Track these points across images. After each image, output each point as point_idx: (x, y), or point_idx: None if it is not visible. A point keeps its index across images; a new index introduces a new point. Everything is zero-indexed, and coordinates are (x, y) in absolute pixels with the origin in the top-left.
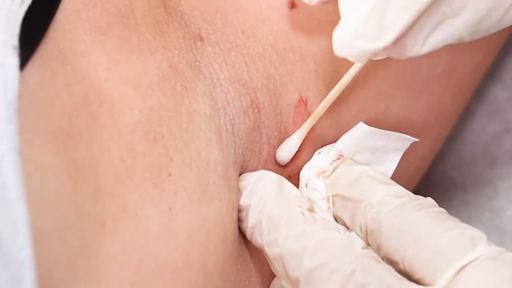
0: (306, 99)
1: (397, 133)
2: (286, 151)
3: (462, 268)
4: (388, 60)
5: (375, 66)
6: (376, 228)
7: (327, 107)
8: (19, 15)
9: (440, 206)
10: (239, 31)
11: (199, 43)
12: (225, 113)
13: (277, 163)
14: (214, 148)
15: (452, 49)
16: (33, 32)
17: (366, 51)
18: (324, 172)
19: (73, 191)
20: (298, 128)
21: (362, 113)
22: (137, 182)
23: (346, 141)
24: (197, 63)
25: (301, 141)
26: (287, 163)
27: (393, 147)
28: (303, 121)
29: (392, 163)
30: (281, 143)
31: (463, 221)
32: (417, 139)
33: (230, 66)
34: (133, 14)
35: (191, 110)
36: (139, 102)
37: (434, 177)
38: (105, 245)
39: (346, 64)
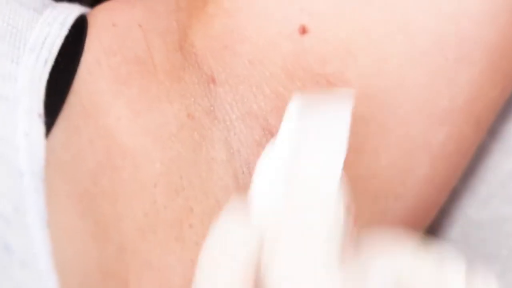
0: None
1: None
2: None
3: None
4: (405, 83)
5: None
6: None
7: None
8: (43, 78)
9: (456, 244)
10: (247, 61)
11: (212, 86)
12: (240, 155)
13: None
14: (231, 194)
15: (474, 82)
16: (57, 93)
17: None
18: None
19: (99, 252)
20: None
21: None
22: (159, 236)
23: None
24: (212, 107)
25: None
26: None
27: None
28: None
29: None
30: None
31: (481, 259)
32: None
33: (239, 103)
34: (152, 60)
35: (209, 158)
36: (159, 154)
37: (450, 214)
38: None
39: (363, 86)
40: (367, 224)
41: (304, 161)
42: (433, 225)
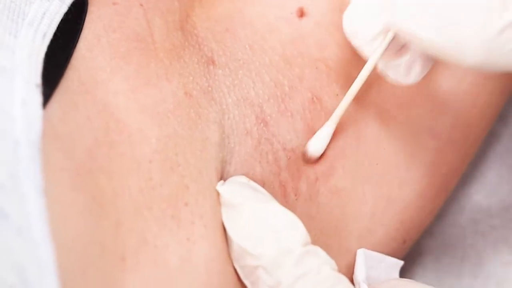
0: (320, 97)
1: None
2: (318, 143)
3: None
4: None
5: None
6: None
7: (353, 96)
8: (42, 51)
9: (466, 230)
10: (247, 46)
11: (211, 67)
12: (228, 142)
13: (305, 161)
14: (218, 178)
15: (476, 74)
16: (55, 66)
17: None
18: None
19: (95, 227)
20: (317, 124)
21: (380, 117)
22: (155, 213)
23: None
24: (210, 88)
25: (333, 131)
26: (315, 160)
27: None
28: (321, 117)
29: None
30: (301, 142)
31: (489, 245)
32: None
33: (237, 87)
34: (152, 38)
35: (204, 138)
36: (156, 130)
37: (459, 200)
38: (127, 280)
39: (359, 68)
40: (372, 212)
41: None
42: (442, 211)
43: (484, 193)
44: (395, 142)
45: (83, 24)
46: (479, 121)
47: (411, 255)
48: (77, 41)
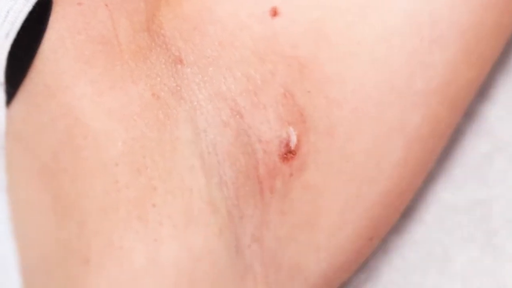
0: (292, 93)
1: None
2: None
3: None
4: (380, 65)
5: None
6: None
7: None
8: (4, 49)
9: (432, 226)
10: (217, 43)
11: (179, 66)
12: (206, 135)
13: (281, 157)
14: (198, 174)
15: (448, 64)
16: (18, 66)
17: None
18: None
19: (59, 228)
20: (290, 118)
21: (352, 114)
22: (121, 215)
23: None
24: (178, 87)
25: None
26: (290, 155)
27: None
28: (293, 112)
29: None
30: (275, 135)
31: (456, 242)
32: None
33: (208, 84)
34: (117, 40)
35: (174, 138)
36: (122, 133)
37: (425, 198)
38: (91, 281)
39: (336, 69)
40: (342, 209)
41: None
42: (408, 209)
43: (450, 190)
44: (366, 139)
45: (47, 24)
46: (447, 118)
47: (378, 253)
48: (40, 41)
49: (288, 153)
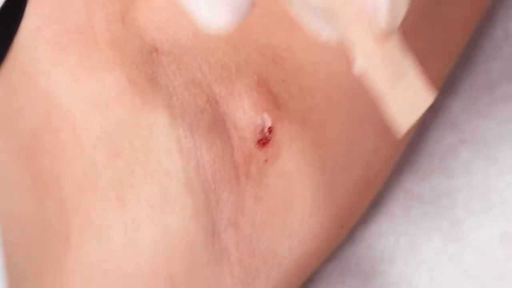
0: (267, 81)
1: None
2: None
3: None
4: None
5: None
6: None
7: None
8: None
9: (398, 217)
10: (190, 34)
11: (155, 54)
12: (183, 120)
13: (256, 143)
14: (175, 157)
15: (417, 54)
16: None
17: None
18: None
19: (38, 205)
20: (264, 105)
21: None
22: (100, 195)
23: None
24: (154, 74)
25: None
26: (265, 141)
27: None
28: (268, 99)
29: None
30: (249, 121)
31: (422, 232)
32: None
33: (183, 71)
34: (92, 30)
35: (151, 122)
36: (99, 118)
37: (391, 188)
38: (71, 259)
39: (309, 58)
40: (315, 196)
41: None
42: (374, 199)
43: (416, 181)
44: (339, 128)
45: (23, 13)
46: None
47: (345, 244)
48: (17, 30)
49: (263, 139)
